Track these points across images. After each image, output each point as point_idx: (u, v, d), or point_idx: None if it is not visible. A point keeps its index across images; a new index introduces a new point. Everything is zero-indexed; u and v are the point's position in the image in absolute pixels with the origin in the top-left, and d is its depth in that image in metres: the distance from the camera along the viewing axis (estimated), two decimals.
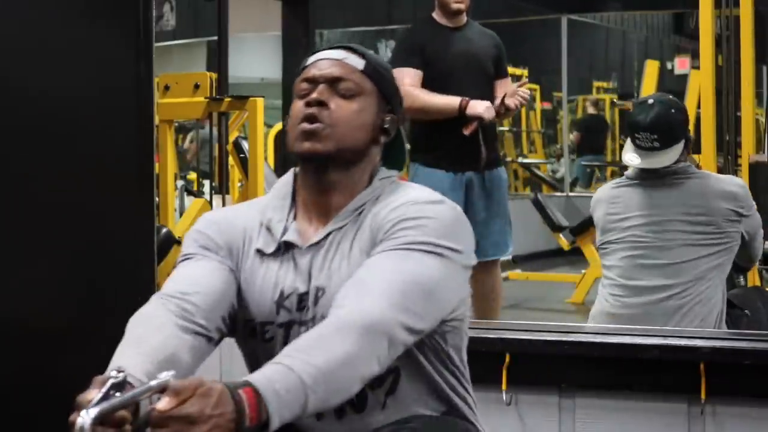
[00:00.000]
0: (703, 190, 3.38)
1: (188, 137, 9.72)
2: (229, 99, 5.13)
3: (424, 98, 4.28)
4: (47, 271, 3.06)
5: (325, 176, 1.93)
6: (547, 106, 14.42)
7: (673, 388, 2.86)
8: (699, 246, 3.32)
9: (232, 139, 5.44)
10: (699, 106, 5.11)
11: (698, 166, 4.48)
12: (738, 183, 3.51)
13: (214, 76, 5.12)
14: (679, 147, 3.40)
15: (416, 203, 1.88)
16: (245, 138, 5.39)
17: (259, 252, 1.95)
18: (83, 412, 1.48)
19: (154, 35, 3.19)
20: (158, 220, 4.59)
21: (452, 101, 4.27)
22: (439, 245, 1.82)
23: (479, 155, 4.36)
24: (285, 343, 1.86)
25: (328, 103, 1.91)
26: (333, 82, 1.93)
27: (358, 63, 1.95)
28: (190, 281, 1.93)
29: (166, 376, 1.53)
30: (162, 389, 1.50)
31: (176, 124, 5.57)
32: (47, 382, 3.02)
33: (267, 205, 2.00)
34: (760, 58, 5.16)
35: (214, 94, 5.06)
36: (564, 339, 3.00)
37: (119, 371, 1.54)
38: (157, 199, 4.05)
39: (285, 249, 1.93)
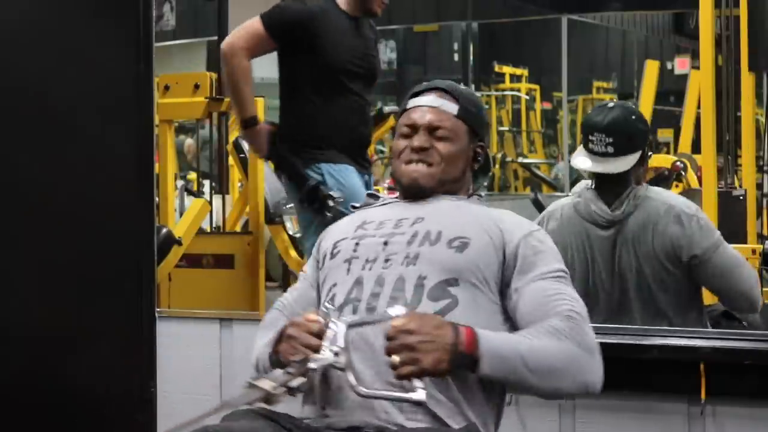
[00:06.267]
0: (653, 241, 3.08)
1: (186, 143, 9.72)
2: (228, 99, 5.13)
3: (240, 82, 3.65)
4: (47, 271, 3.06)
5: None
6: (547, 106, 14.42)
7: (673, 388, 2.86)
8: (666, 312, 3.11)
9: (232, 139, 5.44)
10: (699, 106, 5.11)
11: (699, 168, 4.42)
12: (684, 221, 3.07)
13: (214, 76, 5.13)
14: (634, 158, 3.12)
15: (538, 230, 2.22)
16: None
17: (354, 207, 2.37)
18: (336, 324, 1.96)
19: (154, 35, 3.19)
20: (158, 220, 4.60)
21: (249, 107, 3.67)
22: (566, 270, 2.17)
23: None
24: (354, 251, 2.17)
25: (427, 148, 2.25)
26: (431, 129, 2.26)
27: (452, 108, 2.28)
28: (297, 299, 2.31)
29: (401, 309, 1.95)
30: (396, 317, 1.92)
31: (176, 124, 5.58)
32: (47, 382, 3.02)
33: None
34: None
35: (214, 94, 5.07)
36: None
37: (330, 303, 2.09)
38: (157, 199, 4.05)
39: (384, 203, 2.33)
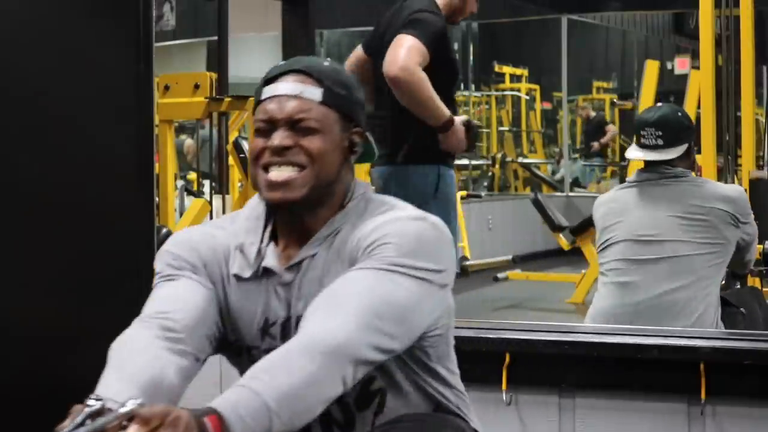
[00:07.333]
0: (701, 192, 3.43)
1: (186, 143, 9.74)
2: (229, 99, 5.14)
3: (430, 92, 3.55)
4: (47, 271, 3.06)
5: (298, 212, 1.91)
6: (547, 106, 14.43)
7: (673, 388, 2.86)
8: (695, 243, 3.37)
9: (232, 139, 5.45)
10: (699, 106, 5.12)
11: (699, 168, 4.48)
12: (737, 189, 3.57)
13: (214, 76, 5.13)
14: (682, 148, 3.46)
15: (398, 220, 1.85)
16: (245, 138, 5.40)
17: (237, 276, 1.92)
18: None
19: (154, 35, 3.19)
20: (158, 220, 4.60)
21: (444, 110, 3.58)
22: (416, 267, 1.80)
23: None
24: None
25: (291, 146, 1.87)
26: (293, 123, 1.87)
27: (315, 94, 1.88)
28: (170, 300, 1.89)
29: (133, 404, 1.50)
30: (130, 417, 1.48)
31: (176, 124, 5.58)
32: (47, 382, 3.02)
33: (240, 227, 1.98)
34: (760, 58, 5.16)
35: (214, 94, 5.08)
36: (564, 339, 2.99)
37: (97, 399, 1.54)
38: (157, 199, 4.05)
39: (264, 274, 1.91)
